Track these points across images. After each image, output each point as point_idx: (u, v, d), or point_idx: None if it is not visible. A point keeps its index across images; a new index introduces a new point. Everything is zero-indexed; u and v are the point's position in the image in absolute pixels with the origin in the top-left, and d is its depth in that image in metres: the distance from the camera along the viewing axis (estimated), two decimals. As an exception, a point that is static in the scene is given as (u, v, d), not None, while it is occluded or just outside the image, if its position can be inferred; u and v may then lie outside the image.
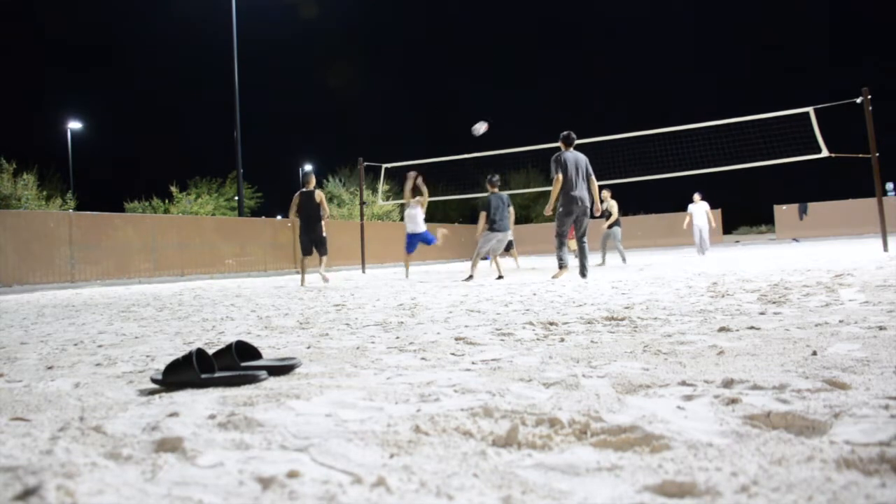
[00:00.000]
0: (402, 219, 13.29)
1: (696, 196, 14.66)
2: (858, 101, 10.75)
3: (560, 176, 7.32)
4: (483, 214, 8.57)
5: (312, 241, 8.82)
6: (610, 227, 12.80)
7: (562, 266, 7.45)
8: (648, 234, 26.80)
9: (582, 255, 7.43)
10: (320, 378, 1.83)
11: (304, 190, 8.86)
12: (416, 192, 10.35)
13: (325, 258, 8.98)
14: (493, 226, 8.50)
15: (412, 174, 10.17)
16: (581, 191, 7.36)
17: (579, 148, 7.91)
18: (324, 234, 8.92)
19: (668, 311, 3.35)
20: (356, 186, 27.26)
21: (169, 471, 1.00)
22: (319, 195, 8.85)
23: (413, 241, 10.55)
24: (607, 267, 10.76)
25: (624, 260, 12.34)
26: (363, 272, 14.55)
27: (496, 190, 8.65)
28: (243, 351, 2.04)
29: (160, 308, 5.51)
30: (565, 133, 7.60)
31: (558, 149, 7.53)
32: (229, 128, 28.68)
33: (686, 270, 8.27)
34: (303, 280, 9.01)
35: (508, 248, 13.68)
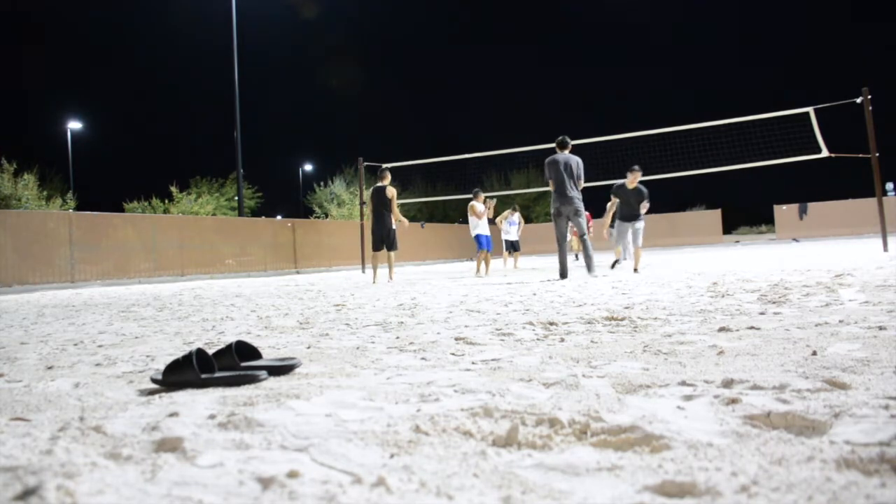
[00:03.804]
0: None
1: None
2: (858, 100, 10.75)
3: (550, 180, 7.66)
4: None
5: (381, 235, 8.99)
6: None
7: (562, 276, 7.47)
8: (648, 234, 26.77)
9: (585, 253, 7.62)
10: (320, 378, 1.83)
11: (377, 185, 9.10)
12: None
13: (392, 254, 9.07)
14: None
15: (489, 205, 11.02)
16: (571, 191, 7.54)
17: (580, 149, 8.02)
18: (393, 228, 9.02)
19: (667, 311, 3.35)
20: (357, 186, 27.27)
21: (169, 471, 1.00)
22: (391, 191, 9.00)
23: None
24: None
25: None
26: (363, 272, 14.54)
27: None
28: (243, 351, 2.04)
29: (160, 308, 5.51)
30: (560, 137, 7.83)
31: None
32: (229, 128, 28.67)
33: (686, 270, 8.28)
34: (374, 277, 9.10)
35: (516, 248, 13.81)
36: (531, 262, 16.57)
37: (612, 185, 9.31)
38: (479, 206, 10.88)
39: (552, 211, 7.65)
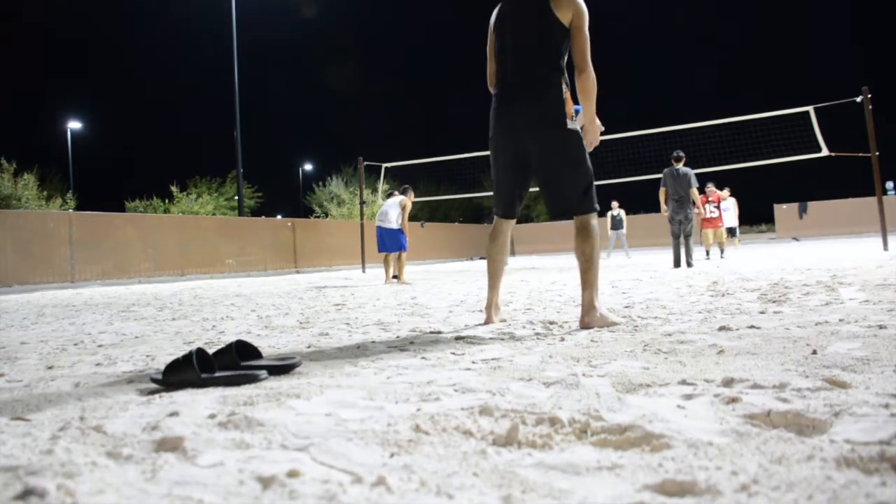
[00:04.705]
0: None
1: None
2: (858, 100, 10.75)
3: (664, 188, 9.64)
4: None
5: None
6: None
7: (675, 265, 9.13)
8: (648, 234, 26.80)
9: (688, 247, 9.34)
10: (320, 377, 1.83)
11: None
12: None
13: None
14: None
15: None
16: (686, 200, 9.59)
17: None
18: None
19: (667, 311, 3.35)
20: (356, 186, 27.29)
21: (169, 470, 1.00)
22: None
23: None
24: (610, 267, 10.78)
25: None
26: (363, 272, 14.54)
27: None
28: (243, 350, 2.04)
29: (160, 308, 5.51)
30: (675, 152, 9.53)
31: None
32: (229, 127, 28.70)
33: (686, 270, 8.28)
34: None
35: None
36: (531, 262, 16.57)
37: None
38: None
39: (668, 215, 9.38)
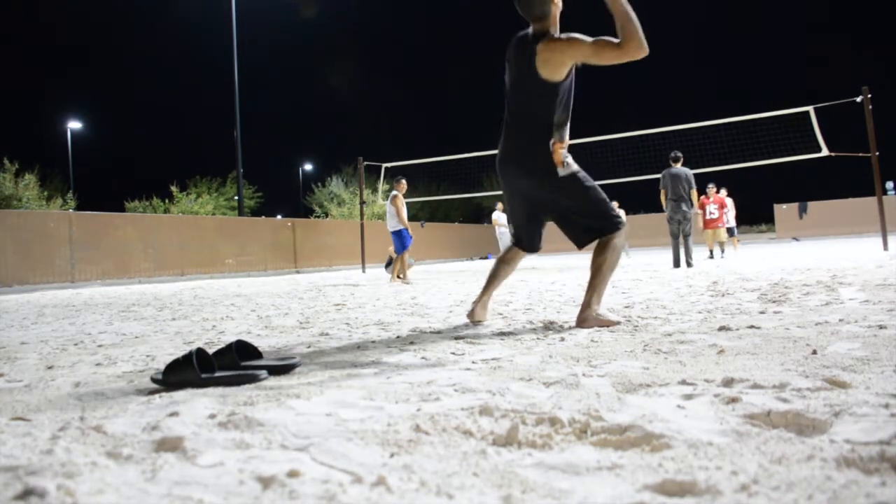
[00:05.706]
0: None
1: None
2: (858, 100, 10.74)
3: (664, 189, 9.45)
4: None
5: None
6: None
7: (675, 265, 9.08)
8: (649, 233, 26.81)
9: (687, 248, 9.29)
10: (320, 377, 1.83)
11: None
12: None
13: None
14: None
15: None
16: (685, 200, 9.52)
17: (579, 148, 8.13)
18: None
19: (668, 311, 3.35)
20: (356, 186, 27.29)
21: (169, 470, 1.00)
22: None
23: None
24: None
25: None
26: (363, 272, 14.54)
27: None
28: (243, 350, 2.04)
29: (160, 308, 5.51)
30: (672, 153, 9.41)
31: None
32: (229, 127, 28.71)
33: (686, 270, 8.29)
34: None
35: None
36: (531, 262, 16.57)
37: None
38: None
39: (668, 216, 9.30)
